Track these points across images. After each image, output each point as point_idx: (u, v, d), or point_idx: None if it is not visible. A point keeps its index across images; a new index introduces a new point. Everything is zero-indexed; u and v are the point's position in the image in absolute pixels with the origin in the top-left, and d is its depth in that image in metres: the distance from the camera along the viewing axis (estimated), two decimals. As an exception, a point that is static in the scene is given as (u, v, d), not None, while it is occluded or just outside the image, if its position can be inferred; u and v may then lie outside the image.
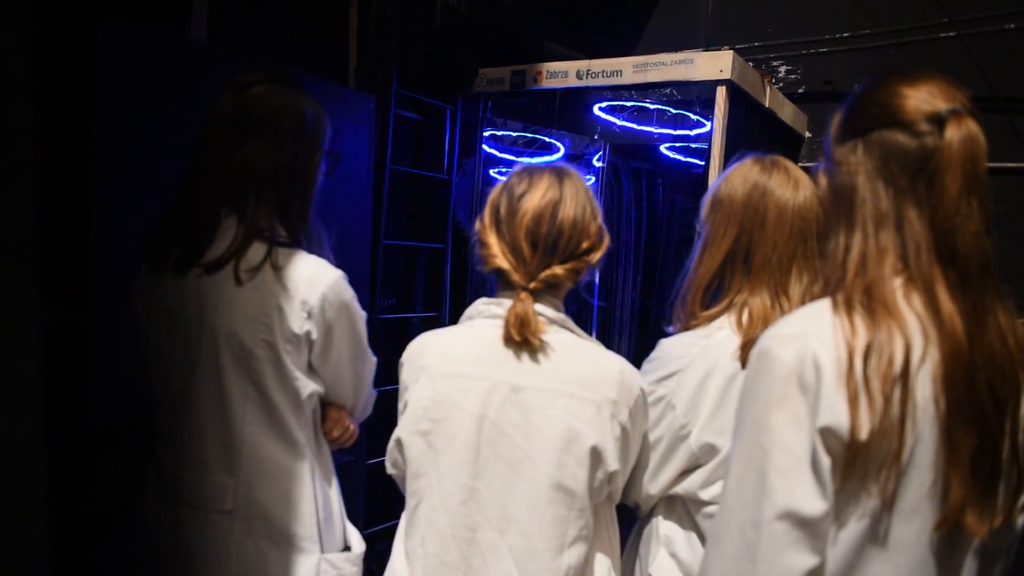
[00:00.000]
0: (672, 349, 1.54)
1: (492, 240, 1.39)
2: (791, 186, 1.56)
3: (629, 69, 2.95)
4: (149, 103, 2.08)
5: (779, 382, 0.99)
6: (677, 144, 3.80)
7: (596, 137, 3.92)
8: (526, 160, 3.86)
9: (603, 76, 3.04)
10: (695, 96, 3.41)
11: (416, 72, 3.24)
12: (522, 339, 1.35)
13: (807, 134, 3.72)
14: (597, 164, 3.93)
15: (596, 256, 1.40)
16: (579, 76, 3.09)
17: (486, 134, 3.49)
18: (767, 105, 3.16)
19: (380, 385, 1.84)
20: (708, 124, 3.26)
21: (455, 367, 1.39)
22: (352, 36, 3.07)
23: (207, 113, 1.56)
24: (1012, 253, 2.90)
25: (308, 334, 1.55)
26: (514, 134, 3.80)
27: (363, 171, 2.94)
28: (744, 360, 1.45)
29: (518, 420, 1.35)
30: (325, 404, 1.68)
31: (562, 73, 3.13)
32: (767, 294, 1.51)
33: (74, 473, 1.93)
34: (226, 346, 1.52)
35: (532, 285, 1.36)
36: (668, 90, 3.38)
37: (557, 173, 1.42)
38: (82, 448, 1.96)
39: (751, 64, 3.01)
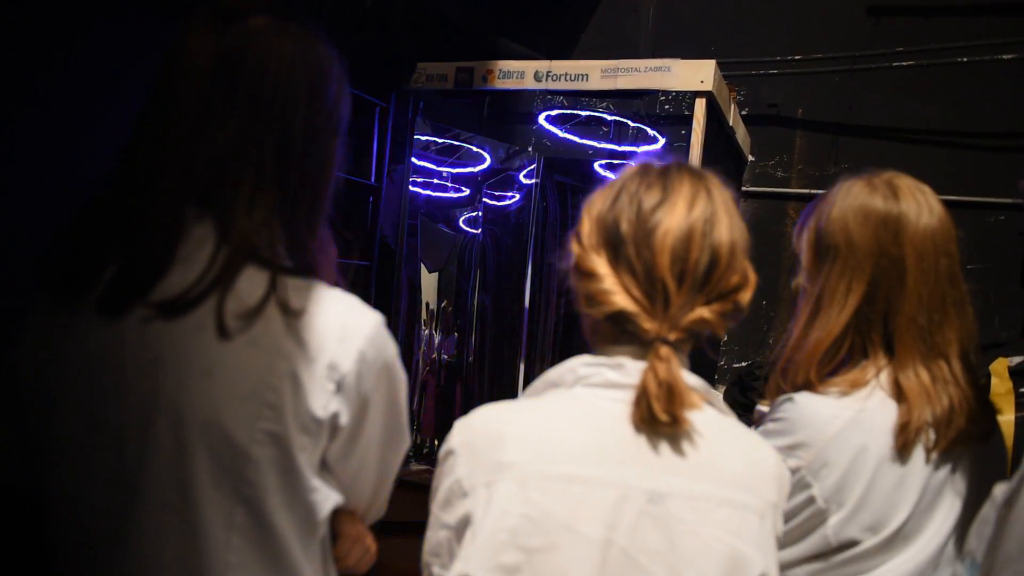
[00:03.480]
0: (809, 413, 1.28)
1: (605, 270, 1.05)
2: (927, 211, 1.31)
3: (596, 73, 2.73)
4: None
5: None
6: (616, 161, 3.50)
7: (530, 149, 3.67)
8: (446, 170, 3.62)
9: (566, 80, 2.80)
10: (658, 108, 3.34)
11: (345, 58, 2.86)
12: (670, 419, 1.00)
13: (750, 157, 3.63)
14: (526, 180, 3.65)
15: (747, 295, 1.08)
16: (537, 78, 2.84)
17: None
18: (731, 123, 3.04)
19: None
20: (661, 140, 3.20)
21: (560, 465, 1.00)
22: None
23: (166, 60, 1.06)
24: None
25: (335, 417, 1.06)
26: (440, 140, 3.52)
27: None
28: (906, 446, 1.24)
29: (659, 545, 0.99)
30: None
31: (517, 73, 2.88)
32: (920, 365, 1.27)
33: None
34: (200, 443, 0.99)
35: (673, 336, 1.02)
36: (643, 100, 3.21)
37: (698, 177, 1.09)
38: None
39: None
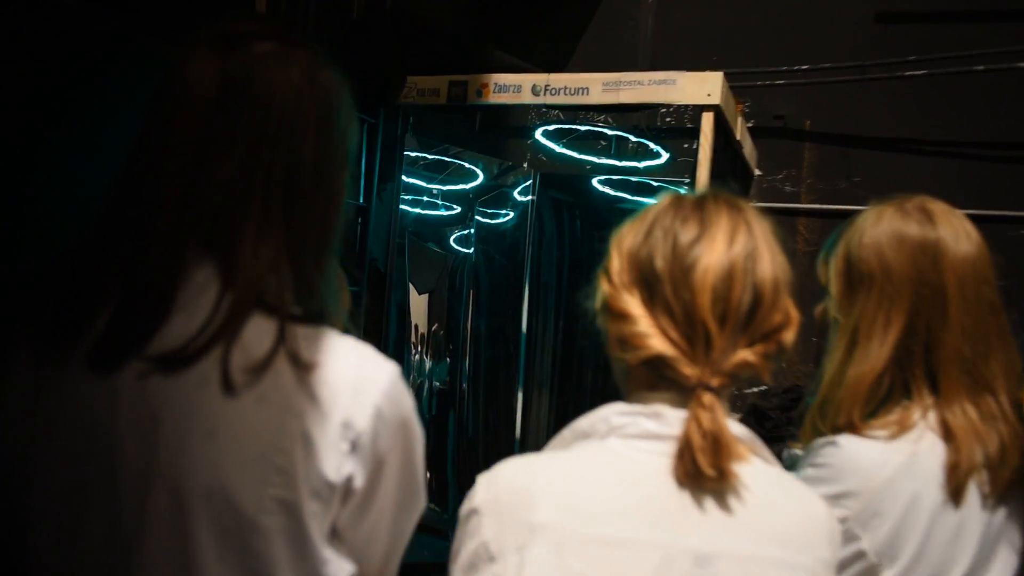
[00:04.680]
0: (856, 459, 1.22)
1: (639, 310, 1.00)
2: (964, 237, 1.28)
3: (598, 87, 2.66)
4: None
5: None
6: (615, 177, 3.41)
7: (525, 165, 3.51)
8: (436, 188, 3.49)
9: (565, 94, 2.72)
10: (660, 121, 3.22)
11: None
12: (717, 474, 0.94)
13: (757, 172, 3.51)
14: (520, 198, 3.50)
15: (791, 335, 1.03)
16: (535, 92, 2.77)
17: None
18: (738, 137, 2.98)
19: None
20: (665, 156, 3.16)
21: (597, 526, 0.94)
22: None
23: (164, 86, 1.00)
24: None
25: (349, 480, 0.98)
26: (429, 156, 3.39)
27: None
28: (958, 491, 1.19)
29: None
30: None
31: (514, 87, 2.81)
32: (967, 401, 1.23)
33: None
34: (203, 511, 0.92)
35: (717, 381, 0.97)
36: (643, 113, 3.11)
37: (737, 209, 1.06)
38: None
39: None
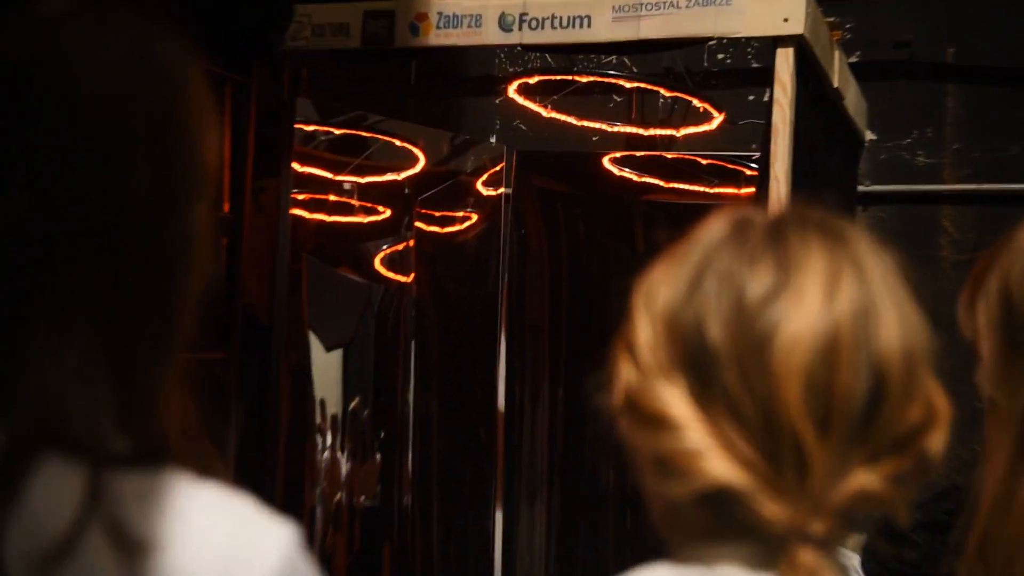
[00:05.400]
0: None
1: (685, 410, 0.81)
2: None
3: (606, 15, 2.32)
4: None
5: None
6: (638, 154, 2.97)
7: (493, 140, 3.24)
8: (349, 180, 3.00)
9: (553, 27, 2.36)
10: (707, 61, 2.91)
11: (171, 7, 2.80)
12: None
13: (870, 135, 3.01)
14: (487, 191, 3.12)
15: (939, 439, 0.82)
16: (505, 25, 2.39)
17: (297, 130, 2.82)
18: (835, 83, 2.54)
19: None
20: (717, 117, 2.64)
21: None
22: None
23: None
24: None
25: None
26: (336, 131, 2.95)
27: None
28: None
29: None
30: None
31: (471, 19, 2.43)
32: None
33: None
34: None
35: (820, 527, 0.78)
36: (680, 52, 2.63)
37: (835, 236, 0.85)
38: None
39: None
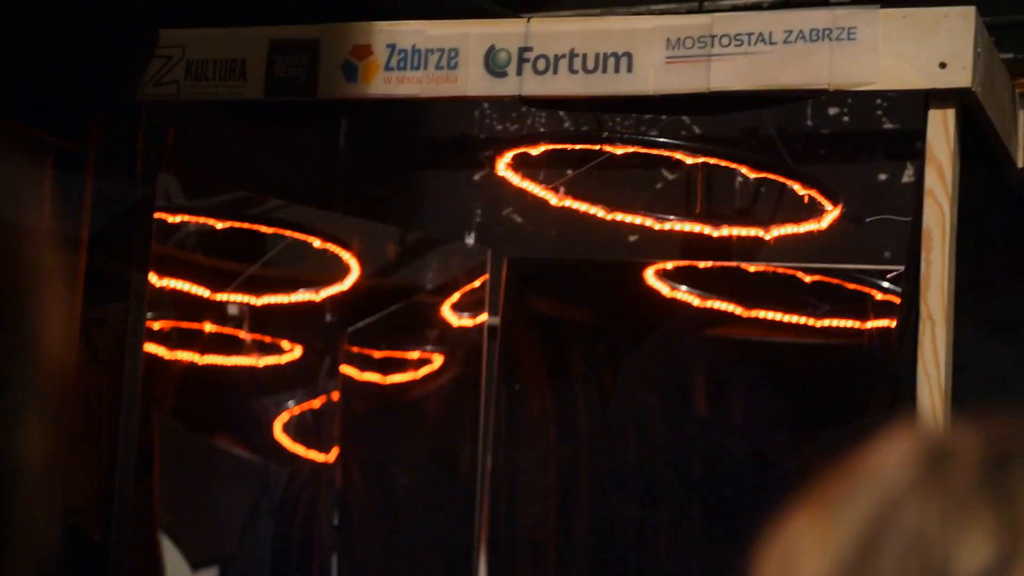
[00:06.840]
0: None
1: None
2: None
3: (655, 53, 1.94)
4: None
5: None
6: (701, 265, 2.63)
7: (469, 238, 2.91)
8: (237, 300, 2.56)
9: (571, 69, 1.96)
10: (811, 126, 2.69)
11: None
12: None
13: None
14: (457, 319, 2.77)
15: None
16: (495, 66, 1.94)
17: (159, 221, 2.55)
18: (1020, 162, 2.11)
19: None
20: (833, 209, 2.30)
21: None
22: None
23: None
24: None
25: None
26: (218, 224, 2.53)
27: None
28: None
29: None
30: None
31: (440, 56, 2.00)
32: None
33: None
34: None
35: None
36: (757, 118, 2.39)
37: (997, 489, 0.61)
38: None
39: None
